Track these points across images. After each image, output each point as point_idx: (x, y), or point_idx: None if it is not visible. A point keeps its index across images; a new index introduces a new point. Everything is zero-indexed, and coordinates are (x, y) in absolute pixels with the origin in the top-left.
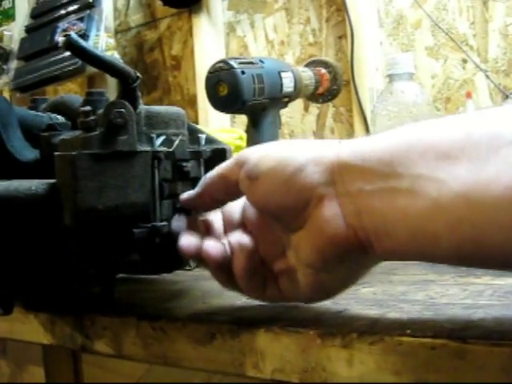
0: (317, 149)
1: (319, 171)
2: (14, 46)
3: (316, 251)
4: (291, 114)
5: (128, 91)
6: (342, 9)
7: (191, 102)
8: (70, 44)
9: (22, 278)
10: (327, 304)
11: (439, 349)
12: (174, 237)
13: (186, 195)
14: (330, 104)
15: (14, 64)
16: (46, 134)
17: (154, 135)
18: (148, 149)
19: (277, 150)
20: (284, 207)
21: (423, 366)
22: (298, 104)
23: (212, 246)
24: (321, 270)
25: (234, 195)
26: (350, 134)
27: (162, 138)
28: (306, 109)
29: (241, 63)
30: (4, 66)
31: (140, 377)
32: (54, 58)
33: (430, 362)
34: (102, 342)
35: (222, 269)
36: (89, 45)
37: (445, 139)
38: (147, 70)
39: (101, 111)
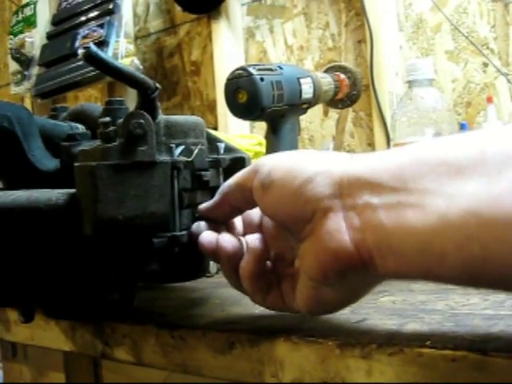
0: (328, 161)
1: (327, 183)
2: (36, 52)
3: (317, 264)
4: (311, 118)
5: (147, 102)
6: (361, 13)
7: (210, 108)
8: (89, 56)
9: (42, 287)
10: (346, 313)
11: (460, 361)
12: (194, 241)
13: (204, 205)
14: (350, 109)
15: (35, 70)
16: (66, 143)
17: (173, 145)
18: (167, 159)
19: (289, 160)
20: (291, 217)
21: (443, 378)
22: (317, 109)
23: (226, 240)
24: (321, 284)
25: (251, 203)
26: (370, 138)
27: (181, 148)
28: (326, 113)
29: (260, 70)
30: (25, 73)
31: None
32: (74, 65)
33: (450, 374)
34: (121, 349)
35: (232, 265)
36: (108, 56)
37: (458, 156)
38: (167, 75)
39: (120, 121)
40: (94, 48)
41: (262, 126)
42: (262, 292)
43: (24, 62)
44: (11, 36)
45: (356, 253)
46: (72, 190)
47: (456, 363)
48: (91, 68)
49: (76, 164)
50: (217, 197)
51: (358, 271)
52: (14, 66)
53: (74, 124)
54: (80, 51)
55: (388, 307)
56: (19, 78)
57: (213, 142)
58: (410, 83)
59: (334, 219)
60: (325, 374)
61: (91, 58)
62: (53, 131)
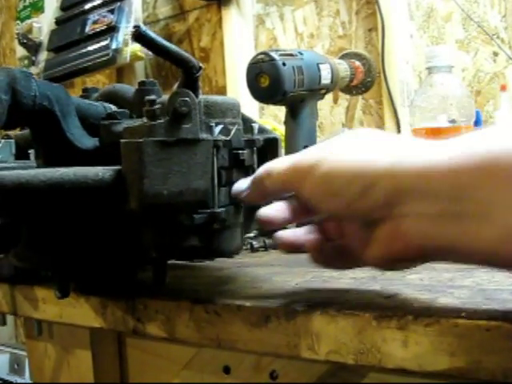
0: (388, 160)
1: (381, 194)
2: (44, 37)
3: (382, 259)
4: (320, 106)
5: (191, 80)
6: (371, 1)
7: (219, 94)
8: (139, 35)
9: (83, 261)
10: (377, 289)
11: (494, 330)
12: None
13: (238, 189)
14: (360, 96)
15: (43, 56)
16: (106, 122)
17: (212, 124)
18: (209, 137)
19: (347, 162)
20: (354, 220)
21: (478, 348)
22: (327, 96)
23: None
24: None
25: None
26: (380, 126)
27: (219, 127)
28: (336, 101)
29: (282, 55)
30: (33, 58)
31: (187, 361)
32: (84, 50)
33: (484, 343)
34: (154, 325)
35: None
36: (157, 35)
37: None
38: None
39: (161, 99)
40: (143, 27)
41: (271, 113)
42: (335, 261)
43: (31, 47)
44: (18, 21)
45: (419, 253)
46: (117, 167)
47: (490, 333)
48: (101, 54)
49: (122, 140)
50: (252, 186)
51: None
52: (21, 51)
53: (106, 104)
54: (129, 30)
55: (417, 283)
56: (27, 64)
57: (247, 122)
58: (430, 69)
59: (388, 228)
60: (361, 345)
61: (141, 37)
62: (88, 111)
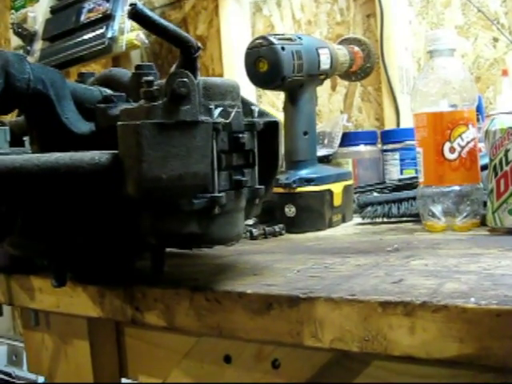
0: None
1: None
2: (38, 27)
3: None
4: (318, 93)
5: (189, 61)
6: None
7: None
8: (135, 13)
9: (76, 250)
10: (381, 275)
11: (505, 316)
12: None
13: None
14: (358, 83)
15: (38, 45)
16: (102, 105)
17: (212, 106)
18: (209, 119)
19: None
20: None
21: (488, 334)
22: (325, 83)
23: None
24: None
25: None
26: (378, 113)
27: (219, 110)
28: (334, 88)
29: (280, 39)
30: (28, 48)
31: (187, 350)
32: (79, 39)
33: (495, 329)
34: (153, 314)
35: None
36: (154, 14)
37: None
38: (172, 50)
39: (159, 81)
40: (139, 5)
41: (268, 101)
42: None
43: (26, 36)
44: (13, 11)
45: None
46: (114, 151)
47: (501, 318)
48: (97, 42)
49: (119, 123)
50: None
51: None
52: (15, 40)
53: (103, 89)
54: (125, 8)
55: (421, 269)
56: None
57: (246, 105)
58: (432, 53)
59: None
60: (366, 332)
61: (137, 15)
62: (84, 95)
